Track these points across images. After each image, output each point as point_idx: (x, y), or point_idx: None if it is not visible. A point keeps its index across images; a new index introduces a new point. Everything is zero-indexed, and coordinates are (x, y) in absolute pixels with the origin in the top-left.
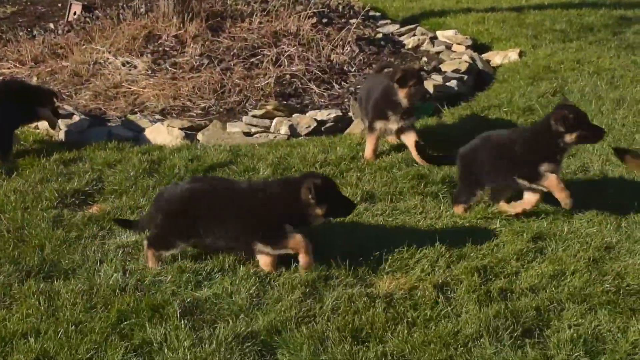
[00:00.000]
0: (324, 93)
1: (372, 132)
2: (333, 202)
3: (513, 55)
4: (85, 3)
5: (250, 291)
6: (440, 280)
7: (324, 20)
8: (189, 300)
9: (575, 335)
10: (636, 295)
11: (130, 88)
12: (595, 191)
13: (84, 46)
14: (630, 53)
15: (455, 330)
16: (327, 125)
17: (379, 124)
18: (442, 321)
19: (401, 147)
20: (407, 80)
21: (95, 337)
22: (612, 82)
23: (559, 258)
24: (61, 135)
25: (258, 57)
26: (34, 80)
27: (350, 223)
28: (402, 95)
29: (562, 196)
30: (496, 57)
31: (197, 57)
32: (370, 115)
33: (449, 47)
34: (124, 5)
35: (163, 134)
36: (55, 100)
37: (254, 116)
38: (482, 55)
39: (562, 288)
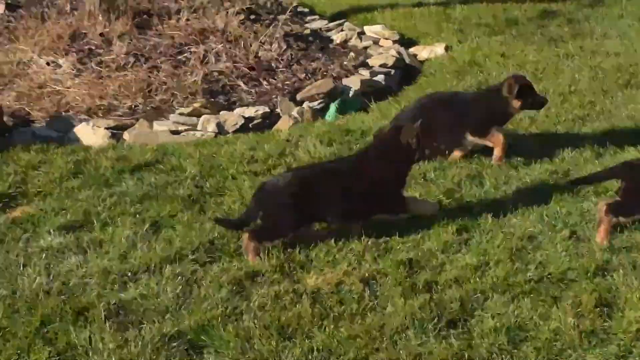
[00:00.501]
0: (252, 90)
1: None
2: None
3: (439, 49)
4: (9, 2)
5: (177, 291)
6: (366, 274)
7: (252, 17)
8: (114, 302)
9: (498, 324)
10: (557, 283)
11: (55, 88)
12: (518, 181)
13: (7, 46)
14: (553, 46)
15: (381, 323)
16: (255, 122)
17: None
18: (369, 315)
19: (331, 142)
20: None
21: (18, 343)
22: (535, 75)
23: (483, 249)
24: None
25: (185, 55)
26: None
27: None
28: (516, 106)
29: None
30: (423, 52)
31: (123, 56)
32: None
33: (376, 42)
34: (49, 4)
35: (89, 134)
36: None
37: (181, 114)
38: (409, 50)
39: (486, 278)
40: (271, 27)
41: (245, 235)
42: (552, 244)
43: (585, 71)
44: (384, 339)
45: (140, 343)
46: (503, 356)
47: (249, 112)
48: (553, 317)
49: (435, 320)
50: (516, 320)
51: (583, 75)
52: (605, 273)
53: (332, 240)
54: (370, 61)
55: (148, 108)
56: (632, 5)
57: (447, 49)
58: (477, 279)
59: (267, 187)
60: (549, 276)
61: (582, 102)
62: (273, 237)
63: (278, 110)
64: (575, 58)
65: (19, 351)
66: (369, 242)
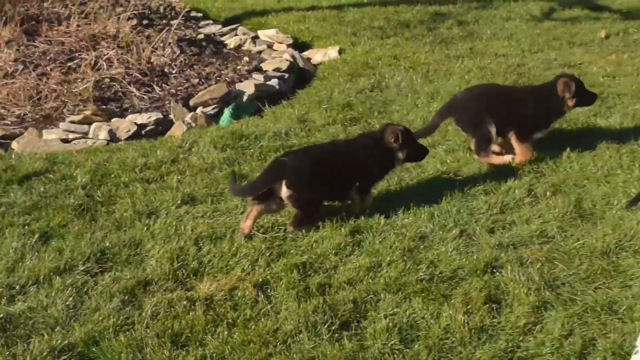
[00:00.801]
0: (145, 96)
1: (529, 141)
2: (412, 147)
3: (333, 52)
4: None
5: (67, 302)
6: (260, 279)
7: (145, 22)
8: (1, 316)
9: (390, 324)
10: (448, 281)
11: None
12: (410, 182)
13: None
14: (444, 48)
15: (275, 327)
16: (148, 128)
17: (539, 135)
18: (262, 320)
19: (225, 147)
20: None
21: None
22: (426, 76)
23: (375, 250)
24: None
25: (76, 62)
26: None
27: (170, 226)
28: (570, 104)
29: None
30: (317, 55)
31: (11, 63)
32: (531, 127)
33: (270, 46)
34: None
35: None
36: None
37: (71, 122)
38: (303, 54)
39: (379, 279)
40: (164, 32)
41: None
42: (442, 243)
43: (474, 72)
44: (278, 343)
45: (28, 357)
46: (395, 356)
47: (142, 118)
48: (444, 315)
49: (329, 322)
50: (408, 320)
51: (472, 76)
52: (494, 270)
53: (226, 246)
54: (264, 65)
55: (37, 116)
56: (519, 7)
57: (340, 52)
58: (370, 280)
59: (290, 166)
60: (440, 275)
61: None
62: (311, 218)
63: (171, 116)
64: (465, 59)
65: None
66: (263, 247)
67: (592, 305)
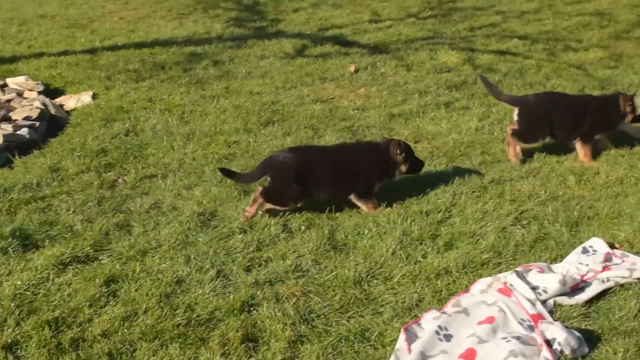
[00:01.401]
0: None
1: (590, 142)
2: (412, 160)
3: (87, 98)
4: None
5: None
6: (9, 340)
7: None
8: None
9: None
10: (205, 324)
11: None
12: (166, 225)
13: None
14: (199, 88)
15: None
16: None
17: (598, 136)
18: None
19: None
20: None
21: None
22: (182, 118)
23: (132, 298)
24: None
25: None
26: None
27: None
28: (630, 119)
29: None
30: (70, 101)
31: None
32: (591, 129)
33: (20, 94)
34: None
35: None
36: None
37: None
38: (56, 100)
39: (135, 328)
40: None
41: (257, 189)
42: (200, 286)
43: (230, 111)
44: None
45: None
46: None
47: None
48: (201, 359)
49: None
50: None
51: (228, 116)
52: (251, 308)
53: None
54: (13, 114)
55: None
56: (273, 45)
57: (94, 97)
58: (126, 330)
59: (276, 159)
60: (197, 318)
61: (228, 142)
62: (277, 202)
63: None
64: (221, 99)
65: None
66: (12, 305)
67: (345, 334)
